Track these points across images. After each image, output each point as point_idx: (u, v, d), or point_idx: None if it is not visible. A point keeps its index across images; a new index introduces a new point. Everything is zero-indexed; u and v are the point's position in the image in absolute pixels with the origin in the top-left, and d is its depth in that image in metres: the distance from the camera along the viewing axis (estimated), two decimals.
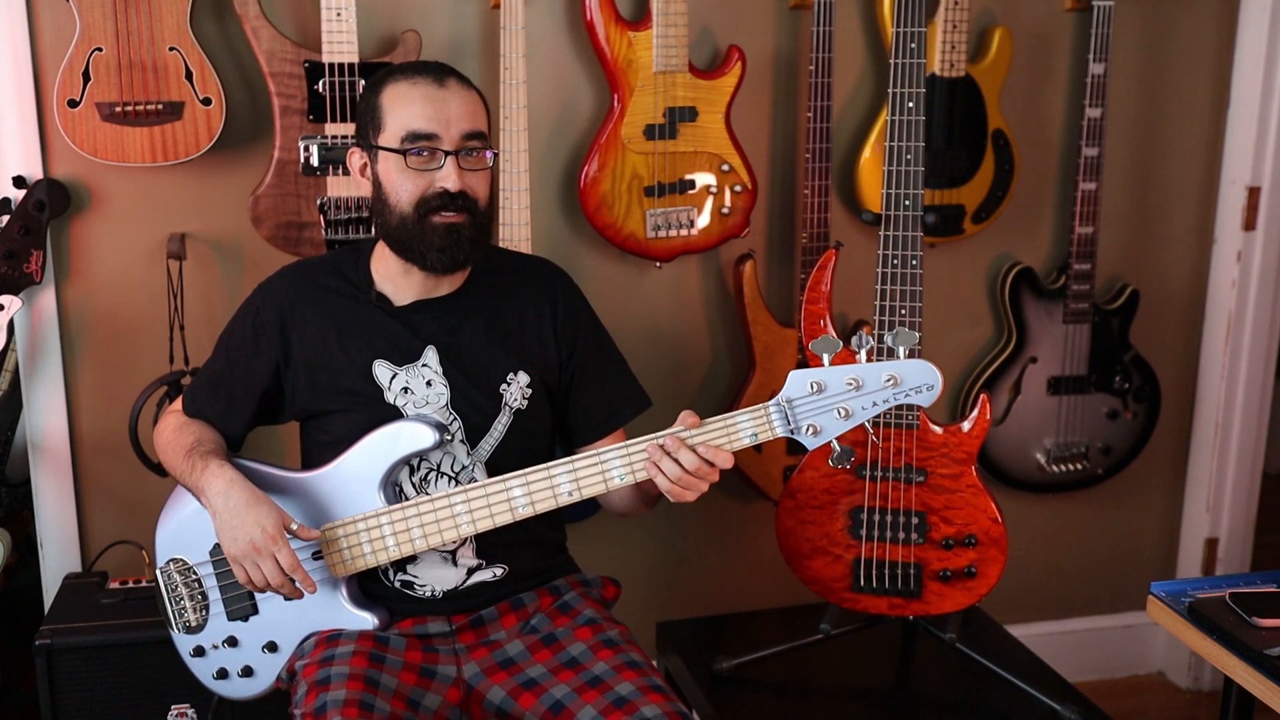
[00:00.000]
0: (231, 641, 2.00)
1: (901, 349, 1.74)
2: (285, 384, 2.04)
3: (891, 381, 1.74)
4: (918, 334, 1.78)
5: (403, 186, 1.91)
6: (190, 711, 2.31)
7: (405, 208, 1.91)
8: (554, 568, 2.10)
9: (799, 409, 1.77)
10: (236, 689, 2.03)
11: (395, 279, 2.00)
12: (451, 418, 1.97)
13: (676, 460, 1.79)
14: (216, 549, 1.97)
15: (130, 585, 2.42)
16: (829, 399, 1.75)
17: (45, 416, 2.55)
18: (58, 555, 2.60)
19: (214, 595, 1.99)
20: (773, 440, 2.84)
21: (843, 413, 1.76)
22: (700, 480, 1.80)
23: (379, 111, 1.94)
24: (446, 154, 1.90)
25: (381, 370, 1.97)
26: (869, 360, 1.75)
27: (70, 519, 2.59)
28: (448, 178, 1.90)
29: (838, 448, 1.79)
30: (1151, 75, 2.94)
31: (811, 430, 1.77)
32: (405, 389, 1.97)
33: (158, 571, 2.04)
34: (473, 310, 2.02)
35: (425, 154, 1.90)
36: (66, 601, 2.41)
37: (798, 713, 2.32)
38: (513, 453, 2.00)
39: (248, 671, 2.01)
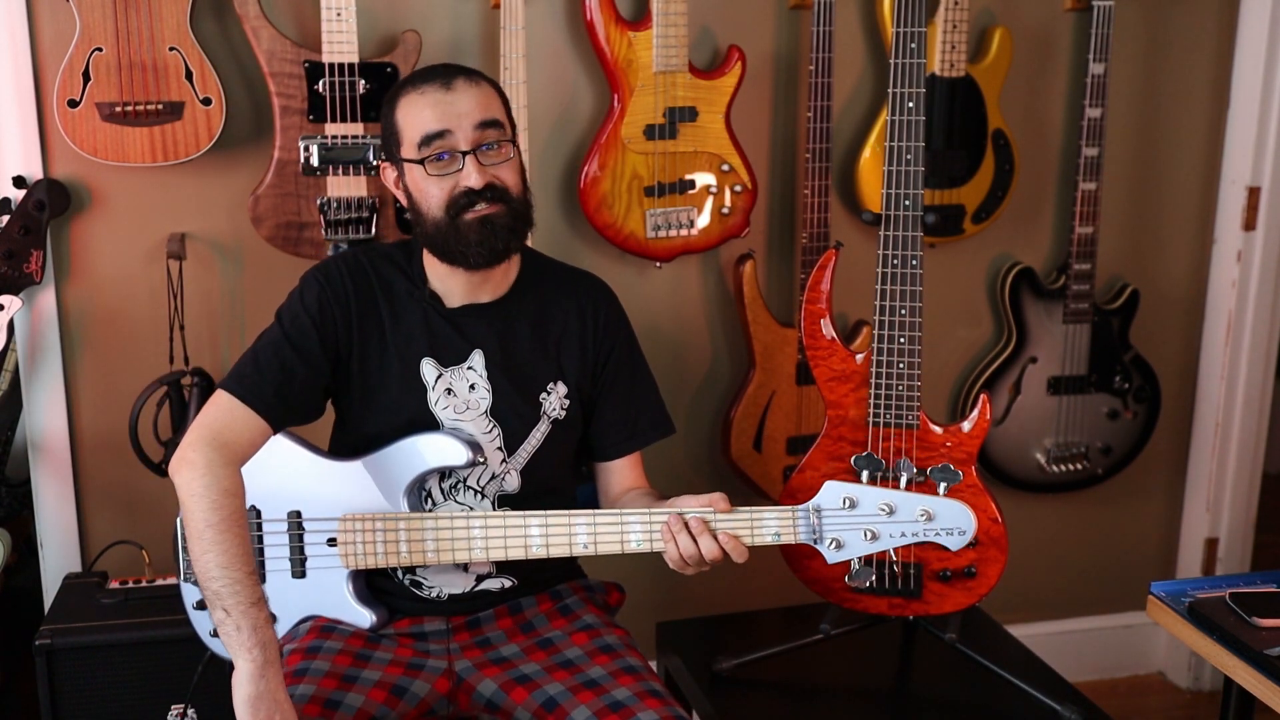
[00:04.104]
0: None
1: (943, 485, 1.73)
2: (338, 372, 1.99)
3: (925, 516, 1.72)
4: (961, 474, 1.73)
5: (430, 193, 1.92)
6: (190, 712, 2.31)
7: (437, 212, 1.92)
8: (560, 573, 2.10)
9: (827, 521, 1.76)
10: None
11: (444, 279, 2.01)
12: (491, 425, 1.98)
13: (695, 540, 1.78)
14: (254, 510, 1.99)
15: (130, 585, 2.42)
16: (858, 518, 1.73)
17: (45, 416, 2.55)
18: (58, 555, 2.60)
19: None
20: (773, 440, 2.82)
21: (869, 535, 1.74)
22: (706, 565, 1.80)
23: (396, 125, 1.95)
24: (464, 154, 1.91)
25: (428, 369, 1.97)
26: (908, 488, 1.74)
27: (70, 519, 2.59)
28: (469, 176, 1.91)
29: (857, 565, 1.76)
30: (1151, 75, 2.94)
31: (835, 544, 1.75)
32: (449, 390, 1.97)
33: (178, 520, 2.05)
34: (519, 317, 2.03)
35: (445, 157, 1.91)
36: (66, 601, 2.40)
37: (798, 713, 2.32)
38: (546, 461, 2.02)
39: None
